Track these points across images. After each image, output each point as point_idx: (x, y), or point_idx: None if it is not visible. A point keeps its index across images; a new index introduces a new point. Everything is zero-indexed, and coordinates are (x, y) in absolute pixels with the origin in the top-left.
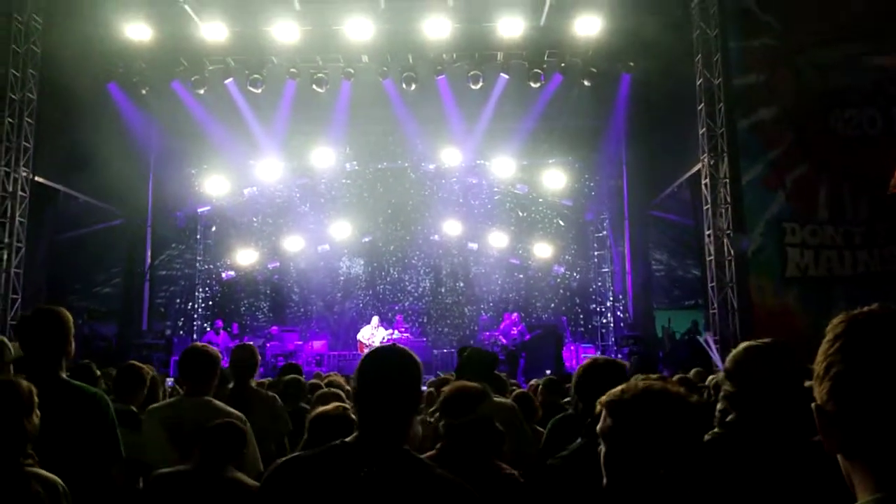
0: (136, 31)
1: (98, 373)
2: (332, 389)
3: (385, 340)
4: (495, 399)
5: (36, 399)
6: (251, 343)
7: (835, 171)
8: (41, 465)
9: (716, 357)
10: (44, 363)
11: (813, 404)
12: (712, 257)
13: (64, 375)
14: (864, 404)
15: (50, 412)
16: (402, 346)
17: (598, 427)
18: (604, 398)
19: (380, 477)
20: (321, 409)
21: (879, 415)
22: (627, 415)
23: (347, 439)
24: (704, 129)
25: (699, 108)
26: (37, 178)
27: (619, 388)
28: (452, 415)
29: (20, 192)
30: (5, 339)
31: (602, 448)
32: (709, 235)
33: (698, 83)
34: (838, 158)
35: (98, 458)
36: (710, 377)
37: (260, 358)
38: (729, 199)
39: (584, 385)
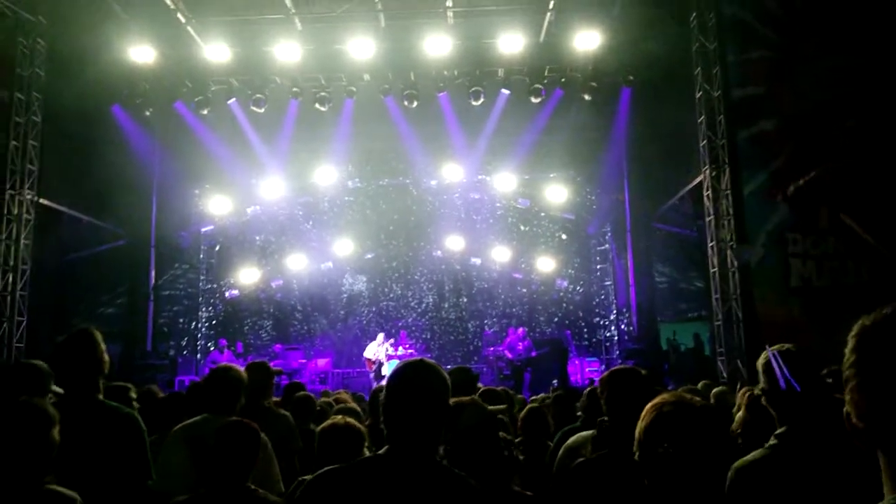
0: (140, 53)
1: (134, 395)
2: (349, 405)
3: (389, 357)
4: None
5: (56, 417)
6: (265, 361)
7: (836, 181)
8: (76, 482)
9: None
10: (81, 386)
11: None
12: (716, 269)
13: (100, 397)
14: (877, 415)
15: (86, 432)
16: (429, 359)
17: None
18: (640, 425)
19: (416, 489)
20: (329, 421)
21: (890, 422)
22: (668, 434)
23: (380, 452)
24: (705, 141)
25: (699, 120)
26: (41, 201)
27: (648, 409)
28: None
29: (25, 215)
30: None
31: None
32: (712, 247)
33: (698, 96)
34: (840, 168)
35: (131, 476)
36: (715, 389)
37: (274, 377)
38: (731, 211)
39: (611, 395)
